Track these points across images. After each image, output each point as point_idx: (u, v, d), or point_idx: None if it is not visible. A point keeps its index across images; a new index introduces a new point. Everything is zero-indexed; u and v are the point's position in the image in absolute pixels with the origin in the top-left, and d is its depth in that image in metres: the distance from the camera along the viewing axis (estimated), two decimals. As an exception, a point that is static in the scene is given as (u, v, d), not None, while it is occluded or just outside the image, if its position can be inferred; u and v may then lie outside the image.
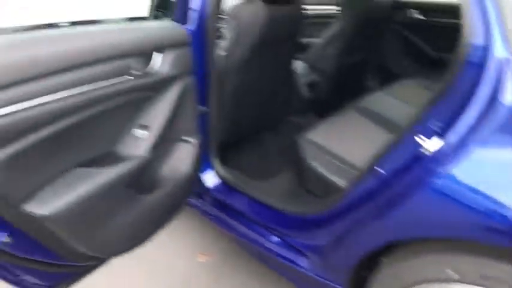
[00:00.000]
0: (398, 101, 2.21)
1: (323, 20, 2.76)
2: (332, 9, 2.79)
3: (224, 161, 1.80)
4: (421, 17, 2.58)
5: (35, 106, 0.90)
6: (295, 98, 2.32)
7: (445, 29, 2.57)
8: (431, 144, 1.01)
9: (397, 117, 2.00)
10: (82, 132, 1.06)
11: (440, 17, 2.55)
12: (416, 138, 1.03)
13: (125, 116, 1.20)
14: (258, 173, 1.89)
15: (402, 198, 1.07)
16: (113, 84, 1.09)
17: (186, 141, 1.42)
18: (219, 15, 1.53)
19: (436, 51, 2.61)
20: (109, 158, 1.16)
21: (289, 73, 2.19)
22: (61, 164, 1.02)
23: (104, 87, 1.06)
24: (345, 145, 1.68)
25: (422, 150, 1.02)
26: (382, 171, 1.18)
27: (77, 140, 1.06)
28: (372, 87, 2.87)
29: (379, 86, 2.86)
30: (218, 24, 1.56)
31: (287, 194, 1.66)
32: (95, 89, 1.03)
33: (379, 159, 1.18)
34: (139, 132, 1.21)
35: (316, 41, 2.35)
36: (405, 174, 1.11)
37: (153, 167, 1.32)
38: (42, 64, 0.91)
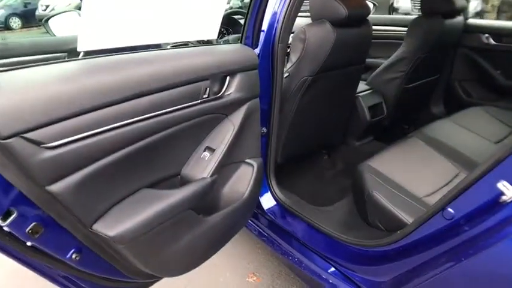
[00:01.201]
0: (465, 129, 2.09)
1: (390, 40, 2.70)
2: (400, 30, 2.71)
3: (281, 183, 1.79)
4: (493, 42, 2.43)
5: (108, 130, 0.92)
6: (356, 120, 2.26)
7: None
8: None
9: (464, 148, 1.89)
10: (151, 155, 1.09)
11: None
12: (499, 185, 0.96)
13: (194, 138, 1.23)
14: (315, 197, 1.86)
15: (479, 246, 1.00)
16: (184, 108, 1.12)
17: (249, 164, 1.43)
18: (288, 38, 1.54)
19: (508, 78, 2.45)
20: (176, 180, 1.19)
21: (353, 96, 2.15)
22: (130, 186, 1.06)
23: (176, 110, 1.09)
24: (408, 175, 1.61)
25: (505, 198, 0.95)
26: (454, 212, 1.11)
27: (145, 162, 1.09)
28: (437, 114, 2.75)
29: (445, 112, 2.74)
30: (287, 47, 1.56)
31: (345, 223, 1.61)
32: (167, 113, 1.06)
33: (452, 199, 1.12)
34: (206, 155, 1.23)
35: (380, 61, 2.29)
36: (482, 220, 1.04)
37: (217, 189, 1.33)
38: (118, 90, 0.93)
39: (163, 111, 1.05)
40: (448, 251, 1.09)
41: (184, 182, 1.19)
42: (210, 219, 1.26)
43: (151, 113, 1.02)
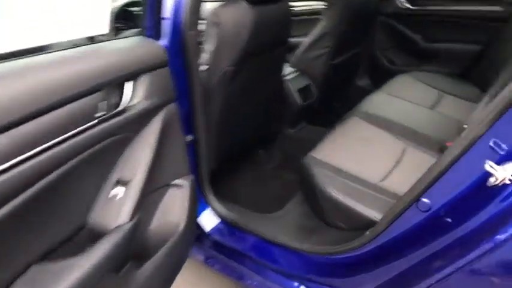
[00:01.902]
0: (399, 99, 2.00)
1: (308, 16, 2.52)
2: (317, 4, 2.55)
3: (219, 194, 1.53)
4: (410, 6, 2.38)
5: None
6: (287, 106, 2.07)
7: (435, 17, 2.39)
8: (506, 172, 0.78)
9: (403, 119, 1.79)
10: (40, 209, 0.76)
11: (431, 5, 2.36)
12: (487, 166, 0.79)
13: (97, 172, 0.91)
14: (261, 202, 1.63)
15: (473, 242, 0.84)
16: (75, 135, 0.80)
17: (178, 185, 1.14)
18: (198, 23, 1.26)
19: (428, 41, 2.42)
20: (81, 237, 0.86)
21: (280, 81, 1.94)
22: (17, 260, 0.72)
23: (64, 140, 0.77)
24: (357, 161, 1.44)
25: (493, 180, 0.79)
26: (430, 202, 0.95)
27: (34, 221, 0.76)
28: (363, 86, 2.67)
29: (371, 84, 2.66)
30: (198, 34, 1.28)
31: (302, 228, 1.40)
32: (50, 147, 0.74)
33: (426, 188, 0.95)
34: (117, 192, 0.91)
35: (303, 40, 2.10)
36: (469, 210, 0.88)
37: (142, 230, 1.03)
38: None
39: (44, 146, 0.73)
40: (439, 251, 0.92)
41: (94, 235, 0.87)
42: (140, 274, 0.96)
43: (29, 150, 0.69)
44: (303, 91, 2.08)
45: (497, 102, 0.82)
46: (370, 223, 1.21)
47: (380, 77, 2.57)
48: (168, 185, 1.13)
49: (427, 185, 0.95)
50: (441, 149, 1.60)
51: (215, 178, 1.56)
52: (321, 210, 1.35)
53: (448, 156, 0.90)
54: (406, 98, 2.02)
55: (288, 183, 1.82)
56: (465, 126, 1.64)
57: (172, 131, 1.11)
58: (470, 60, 2.29)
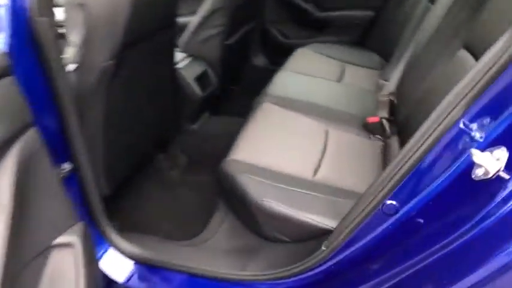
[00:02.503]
0: (306, 76, 1.86)
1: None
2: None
3: (123, 226, 1.19)
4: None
5: None
6: (185, 100, 1.76)
7: None
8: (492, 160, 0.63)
9: (317, 97, 1.64)
10: None
11: None
12: (472, 152, 0.63)
13: None
14: (179, 224, 1.33)
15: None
16: None
17: (62, 245, 0.78)
18: (52, 8, 0.87)
19: (320, 9, 2.31)
20: None
21: (172, 70, 1.62)
22: None
23: None
24: (284, 156, 1.24)
25: (481, 171, 0.64)
26: (397, 204, 0.79)
27: None
28: (260, 65, 2.47)
29: (268, 62, 2.48)
30: (55, 23, 0.89)
31: (238, 251, 1.15)
32: None
33: (391, 189, 0.78)
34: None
35: (191, 20, 1.79)
36: (447, 207, 0.73)
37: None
38: None
39: None
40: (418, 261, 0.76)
41: None
42: None
43: None
44: (201, 79, 1.79)
45: (470, 78, 0.67)
46: (317, 231, 1.02)
47: (275, 53, 2.41)
48: (49, 248, 0.77)
49: (393, 184, 0.78)
50: (364, 126, 1.49)
51: (113, 206, 1.20)
52: (256, 224, 1.12)
53: (414, 147, 0.74)
54: (311, 73, 1.87)
55: (202, 191, 1.55)
56: (382, 98, 1.57)
57: (38, 168, 0.74)
58: (365, 26, 2.25)
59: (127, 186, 1.45)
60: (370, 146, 1.42)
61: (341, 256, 0.87)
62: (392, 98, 1.51)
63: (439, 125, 0.70)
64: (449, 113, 0.69)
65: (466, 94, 0.67)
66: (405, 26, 1.87)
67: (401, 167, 0.76)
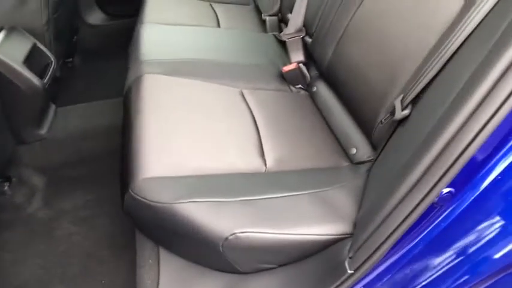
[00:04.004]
0: (182, 27, 1.41)
1: None
2: None
3: None
4: None
5: None
6: (19, 99, 1.16)
7: None
8: None
9: (213, 53, 1.24)
10: None
11: None
12: None
13: None
14: None
15: None
16: None
17: None
18: None
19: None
20: None
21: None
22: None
23: None
24: (223, 149, 0.87)
25: None
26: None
27: None
28: (98, 23, 1.86)
29: (106, 15, 1.89)
30: None
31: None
32: None
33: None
34: None
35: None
36: None
37: None
38: None
39: None
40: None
41: None
42: None
43: None
44: (31, 60, 1.18)
45: None
46: (317, 246, 0.72)
47: (114, 4, 1.85)
48: None
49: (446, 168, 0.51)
50: (282, 76, 1.19)
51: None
52: (226, 264, 0.74)
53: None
54: (183, 22, 1.44)
55: (93, 222, 1.07)
56: (289, 38, 1.26)
57: None
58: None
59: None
60: (296, 100, 1.15)
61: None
62: (302, 35, 1.23)
63: None
64: None
65: None
66: None
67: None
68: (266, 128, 0.97)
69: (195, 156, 0.84)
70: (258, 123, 0.98)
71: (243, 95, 1.07)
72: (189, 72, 1.10)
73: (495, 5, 0.63)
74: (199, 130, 0.91)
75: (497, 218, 0.55)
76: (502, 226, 0.55)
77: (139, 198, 0.74)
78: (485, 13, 0.64)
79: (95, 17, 1.88)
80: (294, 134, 1.00)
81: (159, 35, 1.32)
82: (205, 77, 1.09)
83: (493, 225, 0.55)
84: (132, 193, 0.75)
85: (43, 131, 1.31)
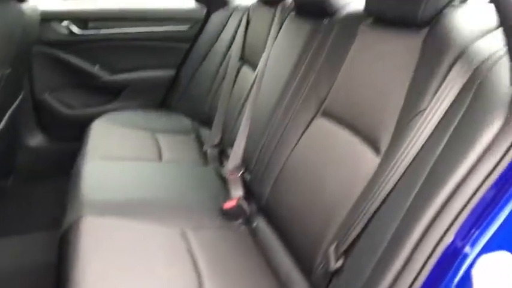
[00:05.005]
0: (125, 161, 1.43)
1: None
2: None
3: None
4: (77, 31, 1.80)
5: None
6: None
7: (115, 42, 1.89)
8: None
9: (159, 192, 1.25)
10: None
11: (105, 27, 1.83)
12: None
13: None
14: None
15: None
16: None
17: None
18: None
19: (111, 72, 1.91)
20: None
21: None
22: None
23: None
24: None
25: None
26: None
27: None
28: (38, 146, 1.84)
29: (49, 140, 1.88)
30: None
31: None
32: None
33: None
34: None
35: None
36: None
37: None
38: None
39: None
40: None
41: None
42: None
43: None
44: None
45: None
46: None
47: (59, 128, 1.87)
48: None
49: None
50: (222, 214, 1.22)
51: None
52: None
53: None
54: (124, 155, 1.46)
55: None
56: (230, 175, 1.32)
57: None
58: (166, 87, 1.98)
59: None
60: (238, 238, 1.16)
61: None
62: (242, 171, 1.31)
63: None
64: None
65: None
66: (213, 84, 1.74)
67: None
68: (208, 271, 0.96)
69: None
70: (199, 266, 0.97)
71: (185, 235, 1.07)
72: (129, 212, 1.09)
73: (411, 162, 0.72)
74: (139, 280, 0.88)
75: None
76: None
77: None
78: (402, 173, 0.72)
79: (36, 140, 1.87)
80: (235, 275, 0.99)
81: (100, 173, 1.31)
82: (147, 218, 1.08)
83: None
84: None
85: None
